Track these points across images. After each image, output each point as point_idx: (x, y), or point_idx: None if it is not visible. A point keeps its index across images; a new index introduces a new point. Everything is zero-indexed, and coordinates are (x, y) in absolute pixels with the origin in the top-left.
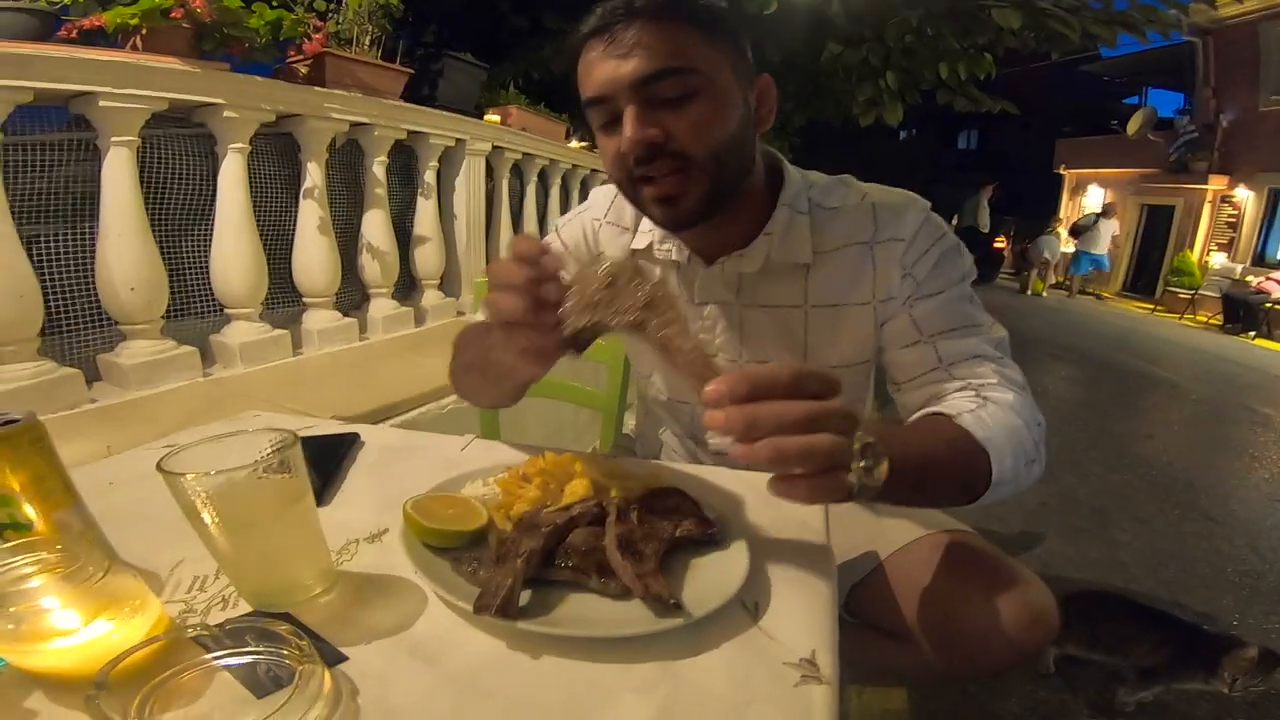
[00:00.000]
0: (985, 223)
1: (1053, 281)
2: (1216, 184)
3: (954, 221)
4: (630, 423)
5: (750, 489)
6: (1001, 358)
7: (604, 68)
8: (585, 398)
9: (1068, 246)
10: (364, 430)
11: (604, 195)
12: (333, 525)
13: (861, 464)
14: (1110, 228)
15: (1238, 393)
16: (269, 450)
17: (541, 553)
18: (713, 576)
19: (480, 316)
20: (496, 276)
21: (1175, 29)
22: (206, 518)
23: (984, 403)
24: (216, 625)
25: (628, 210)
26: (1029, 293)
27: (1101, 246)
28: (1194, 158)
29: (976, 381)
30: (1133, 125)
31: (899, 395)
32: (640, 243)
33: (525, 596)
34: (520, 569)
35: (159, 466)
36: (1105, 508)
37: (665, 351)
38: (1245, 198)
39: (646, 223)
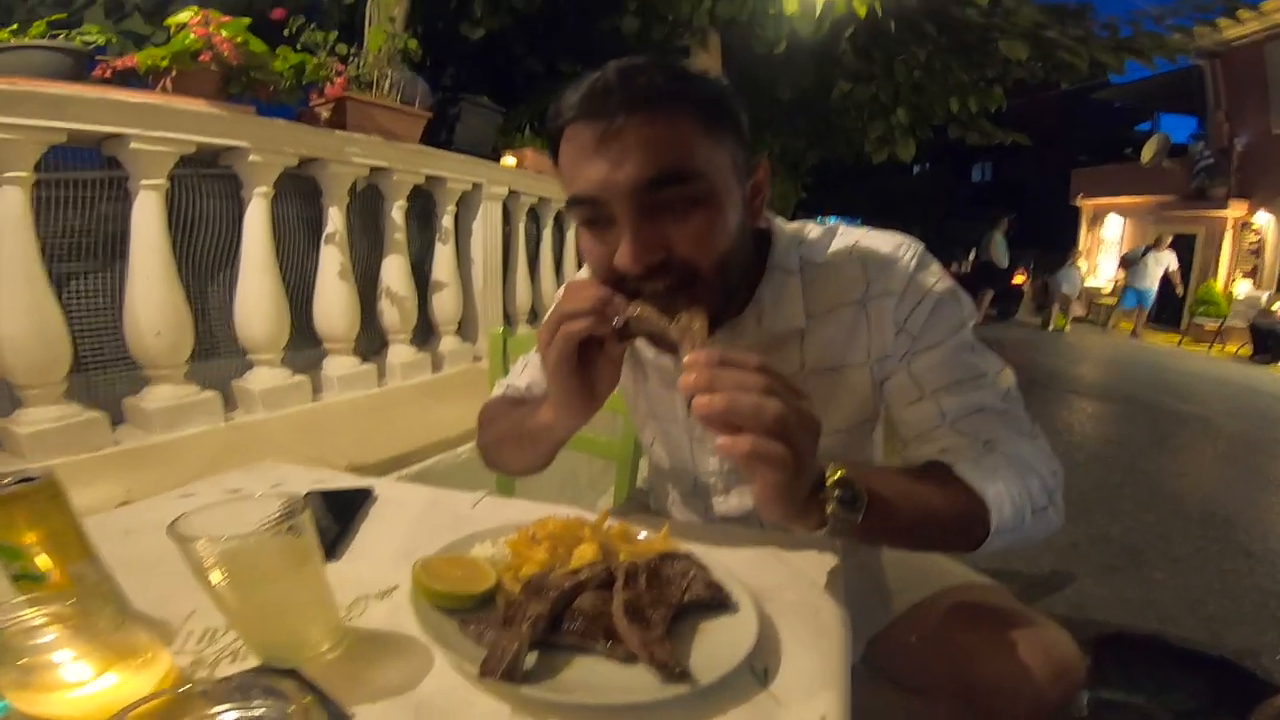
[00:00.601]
0: (1002, 257)
1: (1075, 315)
2: (1236, 210)
3: (972, 257)
4: (644, 471)
5: (763, 548)
6: (1008, 409)
7: (596, 167)
8: (599, 448)
9: (1092, 278)
10: (377, 484)
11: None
12: (344, 580)
13: (836, 495)
14: (1162, 261)
15: (1272, 426)
16: (278, 514)
17: (549, 617)
18: (721, 642)
19: (498, 391)
20: (572, 298)
21: (1182, 53)
22: (215, 579)
23: (986, 450)
24: (223, 679)
25: None
26: (1051, 328)
27: (1149, 281)
28: (1212, 184)
29: (983, 436)
30: (1147, 153)
31: (905, 452)
32: None
33: (531, 660)
34: (526, 634)
35: (169, 531)
36: (1139, 547)
37: (682, 335)
38: (1266, 222)
39: None
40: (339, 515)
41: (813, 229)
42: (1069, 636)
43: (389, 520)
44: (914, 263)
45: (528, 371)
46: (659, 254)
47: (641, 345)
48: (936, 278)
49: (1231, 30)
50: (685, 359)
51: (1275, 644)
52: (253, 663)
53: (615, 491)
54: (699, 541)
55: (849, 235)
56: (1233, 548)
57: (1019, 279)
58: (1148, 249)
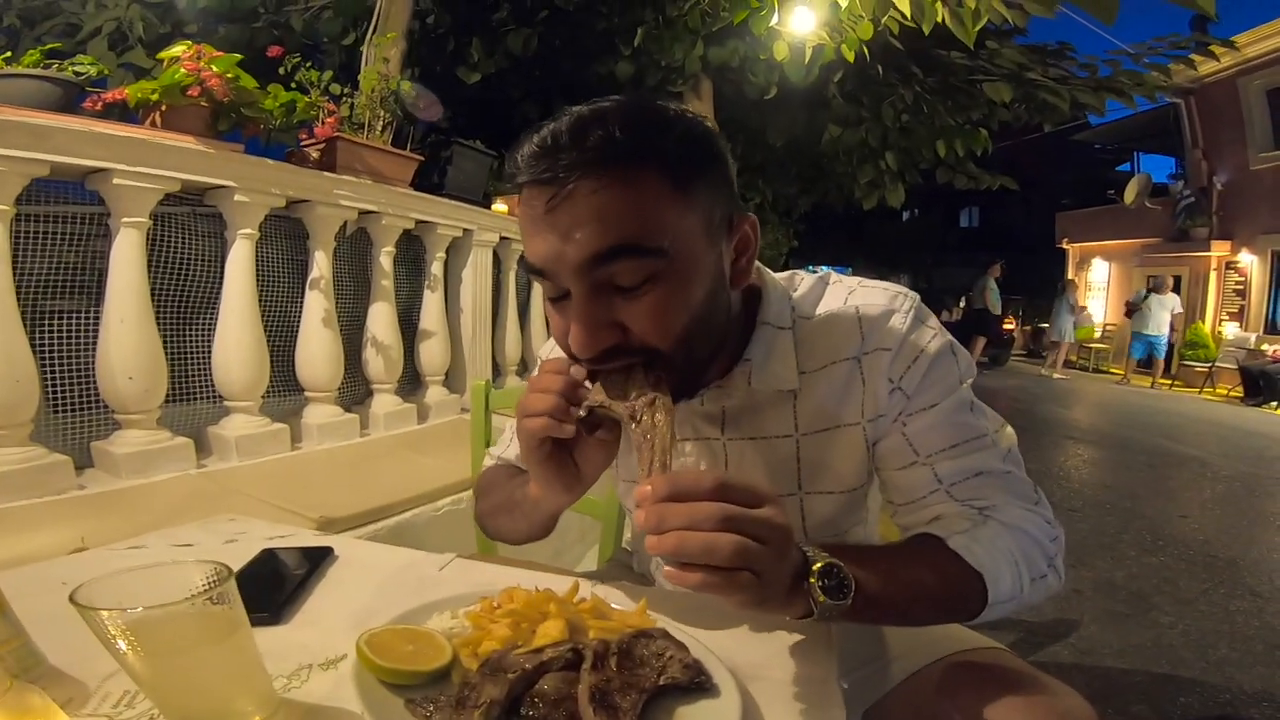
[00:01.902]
0: (996, 304)
1: (1067, 359)
2: (1219, 249)
3: (963, 304)
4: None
5: (748, 620)
6: (1009, 472)
7: (544, 238)
8: (585, 505)
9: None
10: (339, 543)
11: None
12: (287, 646)
13: (820, 584)
14: (1166, 304)
15: (1270, 465)
16: (201, 585)
17: (505, 702)
18: None
19: (489, 461)
20: (535, 385)
21: (1161, 91)
22: (123, 647)
23: (983, 521)
24: None
25: None
26: (1042, 374)
27: (1153, 326)
28: (1194, 224)
29: (980, 503)
30: (1129, 194)
31: (896, 517)
32: None
33: None
34: None
35: (72, 599)
36: (1145, 591)
37: (642, 438)
38: (1250, 263)
39: None
40: (292, 575)
41: (803, 279)
42: (1083, 700)
43: (347, 582)
44: (910, 317)
45: (515, 443)
46: (613, 336)
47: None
48: (933, 333)
49: (1205, 67)
50: (638, 490)
51: None
52: None
53: (600, 551)
54: (679, 612)
55: (842, 287)
56: (1239, 589)
57: (1008, 325)
58: (1149, 292)
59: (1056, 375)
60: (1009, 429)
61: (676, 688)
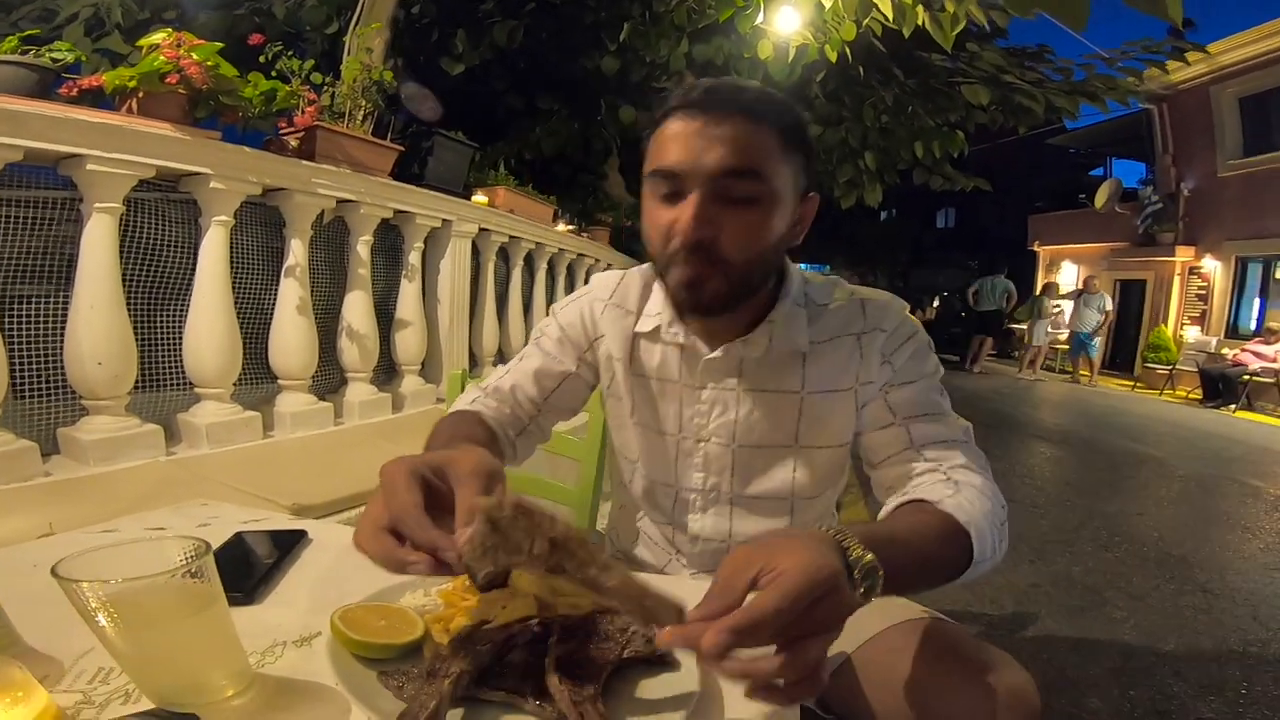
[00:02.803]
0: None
1: (1044, 363)
2: (1184, 255)
3: (971, 303)
4: (603, 520)
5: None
6: (968, 442)
7: (688, 146)
8: (558, 494)
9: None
10: (314, 527)
11: (607, 279)
12: (261, 625)
13: (862, 588)
14: (1092, 303)
15: (1225, 466)
16: (180, 559)
17: (474, 673)
18: (662, 699)
19: (471, 394)
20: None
21: (1133, 95)
22: (102, 620)
23: (958, 486)
24: None
25: (632, 293)
26: (1019, 375)
27: (1082, 324)
28: (1160, 229)
29: (946, 464)
30: (1100, 198)
31: (873, 472)
32: (646, 325)
33: (457, 717)
34: (448, 689)
35: (53, 571)
36: (1100, 586)
37: (597, 590)
38: (1213, 268)
39: (652, 306)
40: (265, 557)
41: (816, 276)
42: (1020, 666)
43: (320, 565)
44: (903, 313)
45: (514, 371)
46: (712, 231)
47: (645, 352)
48: (919, 329)
49: (1179, 74)
50: (667, 636)
51: (1236, 680)
52: (146, 705)
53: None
54: (645, 591)
55: (847, 288)
56: (1190, 585)
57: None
58: (1080, 292)
59: (1031, 377)
60: (963, 420)
61: (639, 660)
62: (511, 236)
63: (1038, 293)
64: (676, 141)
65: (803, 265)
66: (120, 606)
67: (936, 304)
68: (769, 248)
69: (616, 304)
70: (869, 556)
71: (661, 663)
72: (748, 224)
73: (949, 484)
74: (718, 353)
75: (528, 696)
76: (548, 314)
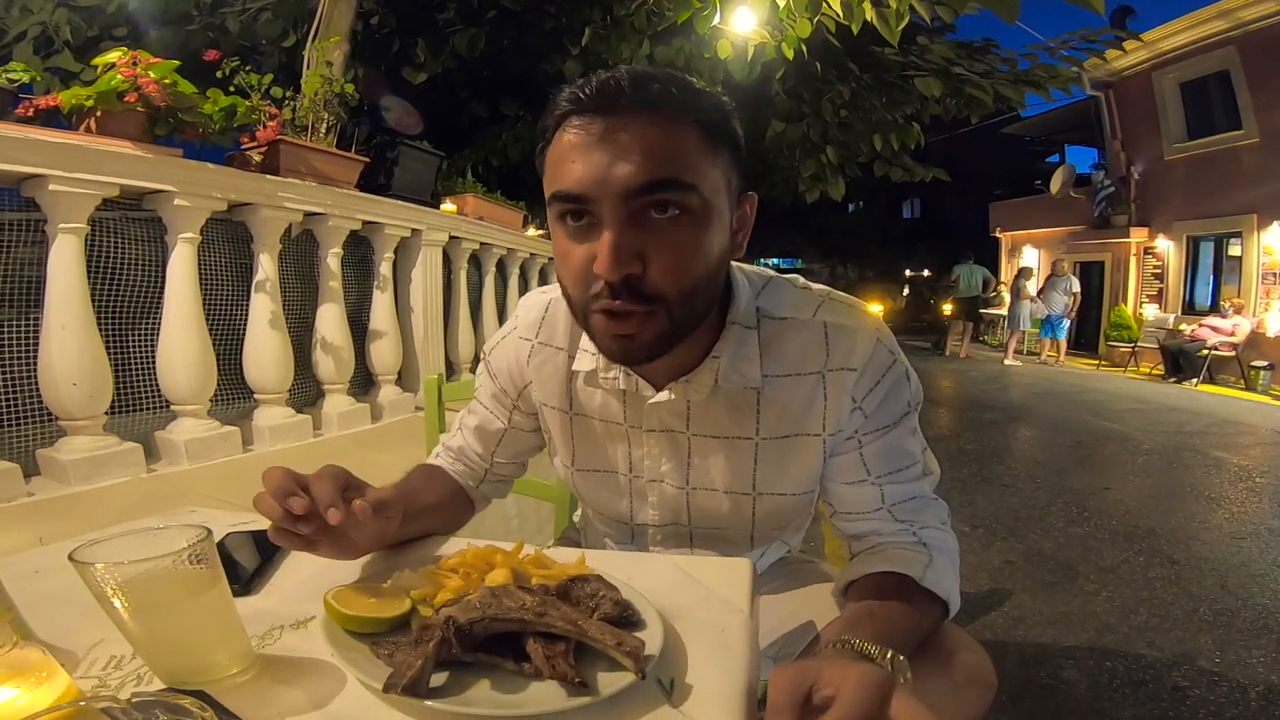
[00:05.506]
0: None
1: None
2: (1138, 236)
3: (955, 294)
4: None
5: (674, 570)
6: (936, 500)
7: (591, 162)
8: (537, 489)
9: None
10: None
11: (532, 309)
12: (259, 613)
13: (902, 679)
14: (1059, 285)
15: (1188, 439)
16: (185, 545)
17: (455, 636)
18: None
19: (435, 451)
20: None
21: (1075, 84)
22: (117, 603)
23: (930, 554)
24: (125, 699)
25: (559, 327)
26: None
27: (1051, 307)
28: (1114, 212)
29: (917, 525)
30: (1054, 184)
31: (836, 521)
32: (583, 365)
33: (442, 678)
34: (431, 651)
35: (71, 557)
36: (1071, 561)
37: (584, 637)
38: (1166, 248)
39: (587, 342)
40: (257, 553)
41: (768, 275)
42: (978, 644)
43: (311, 561)
44: (874, 339)
45: (462, 428)
46: (636, 265)
47: (584, 394)
48: (894, 359)
49: (1121, 61)
50: None
51: (1209, 649)
52: (159, 687)
53: (555, 531)
54: (614, 569)
55: (812, 296)
56: (1158, 557)
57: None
58: (1050, 276)
59: (1009, 362)
60: (933, 457)
61: (609, 622)
62: (482, 243)
63: (1015, 276)
64: (575, 156)
65: (774, 260)
66: (132, 588)
67: (906, 292)
68: (710, 269)
69: (544, 342)
70: (890, 651)
71: (629, 623)
72: (678, 246)
73: (921, 549)
74: (661, 396)
75: (507, 658)
76: (483, 359)
